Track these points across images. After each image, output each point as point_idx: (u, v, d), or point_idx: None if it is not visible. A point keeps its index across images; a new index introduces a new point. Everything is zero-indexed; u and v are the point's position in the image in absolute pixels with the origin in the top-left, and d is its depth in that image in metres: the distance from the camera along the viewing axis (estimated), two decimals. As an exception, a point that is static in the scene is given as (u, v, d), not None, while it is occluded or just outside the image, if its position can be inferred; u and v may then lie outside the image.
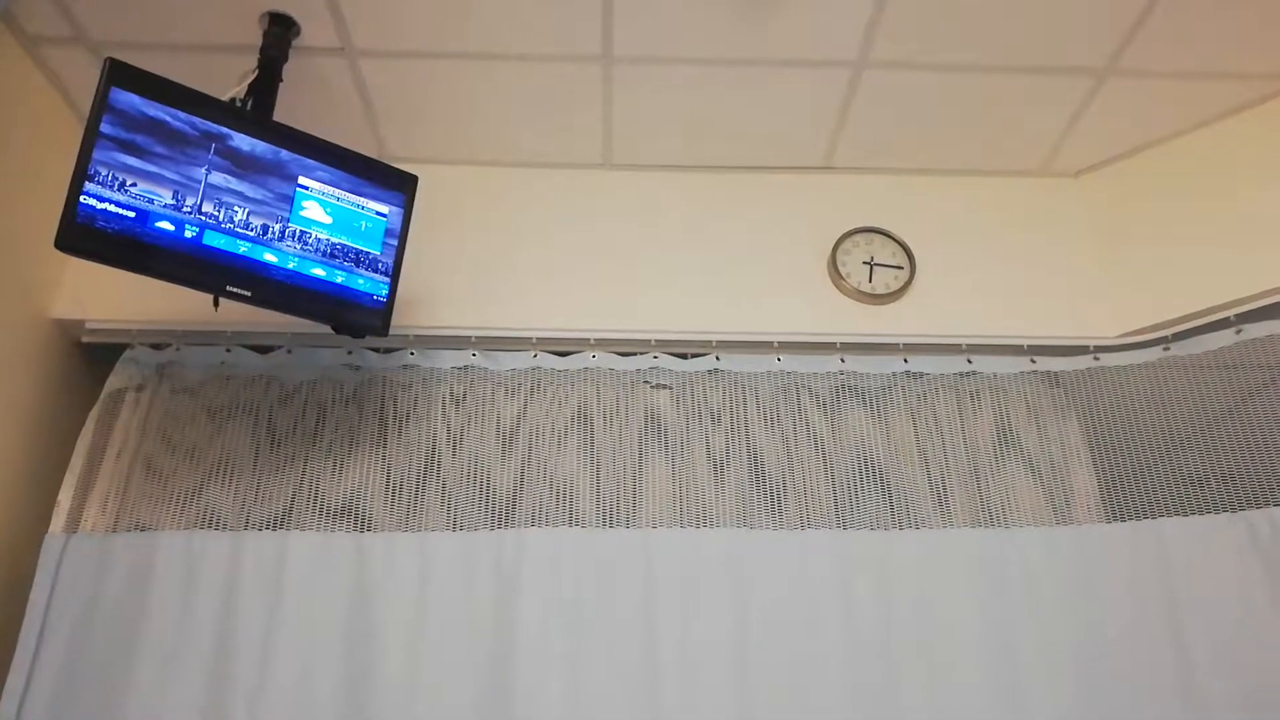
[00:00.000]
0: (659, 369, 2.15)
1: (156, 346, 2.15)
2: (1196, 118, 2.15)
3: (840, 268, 2.18)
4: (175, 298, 2.01)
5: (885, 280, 2.17)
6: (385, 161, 1.94)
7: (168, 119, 1.66)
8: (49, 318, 2.07)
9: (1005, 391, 2.14)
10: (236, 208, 1.72)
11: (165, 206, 1.64)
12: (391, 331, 1.91)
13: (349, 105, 2.13)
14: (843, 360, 2.15)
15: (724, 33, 1.95)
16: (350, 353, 2.15)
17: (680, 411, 2.11)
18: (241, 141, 1.74)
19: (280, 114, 1.87)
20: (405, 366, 2.14)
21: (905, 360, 2.15)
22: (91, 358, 2.16)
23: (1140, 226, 2.18)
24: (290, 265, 1.78)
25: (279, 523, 1.97)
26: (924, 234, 2.23)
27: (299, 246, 1.79)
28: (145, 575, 1.86)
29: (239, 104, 1.82)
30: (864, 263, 2.19)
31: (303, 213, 1.80)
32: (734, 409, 2.11)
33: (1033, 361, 2.15)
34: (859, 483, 2.03)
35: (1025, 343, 2.14)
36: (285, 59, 1.93)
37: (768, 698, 1.78)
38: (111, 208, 1.59)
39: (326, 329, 1.93)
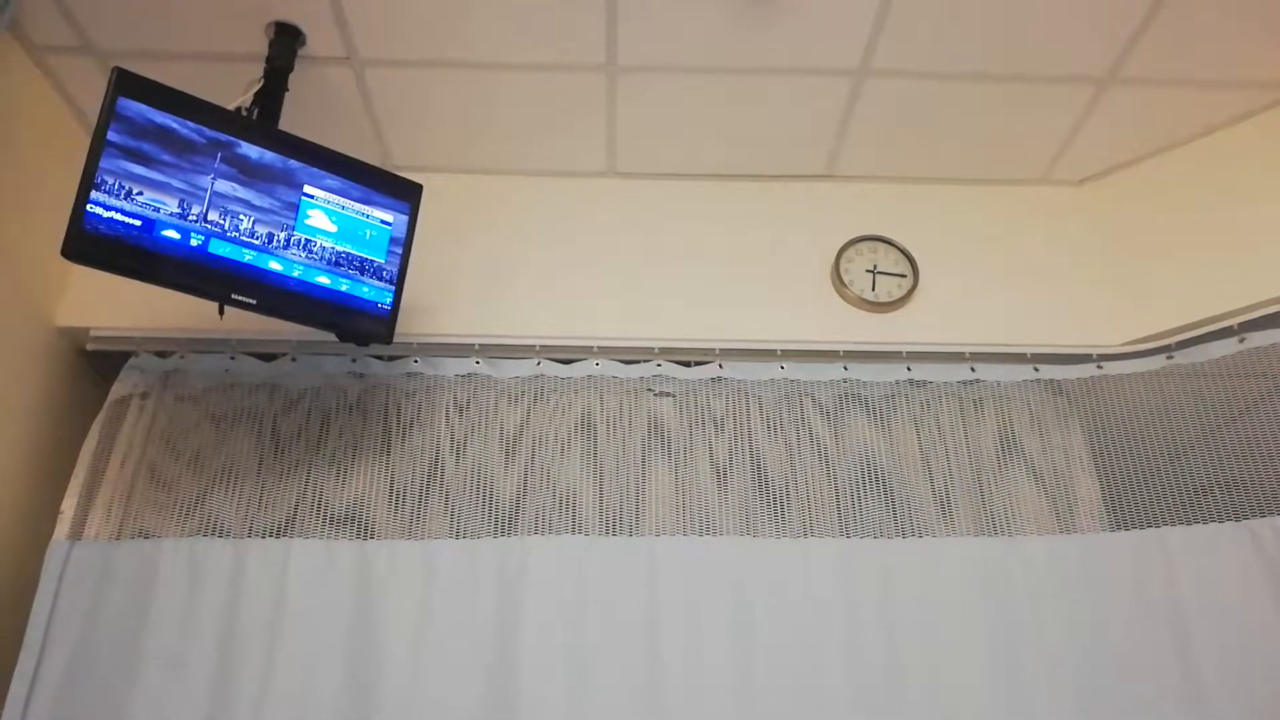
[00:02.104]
0: (662, 376, 2.15)
1: (161, 354, 2.15)
2: (1199, 126, 2.15)
3: (843, 275, 2.18)
4: (180, 306, 2.02)
5: (888, 288, 2.18)
6: (390, 170, 1.94)
7: (174, 127, 1.67)
8: (54, 325, 2.07)
9: (1009, 400, 2.14)
10: (242, 216, 1.73)
11: (171, 215, 1.65)
12: (395, 339, 1.92)
13: (354, 114, 2.14)
14: (846, 368, 2.15)
15: (727, 41, 1.96)
16: (354, 360, 2.16)
17: (683, 419, 2.11)
18: (247, 150, 1.74)
19: (286, 123, 1.88)
20: (409, 374, 2.15)
21: (908, 368, 2.16)
22: (96, 365, 2.17)
23: (1143, 235, 2.18)
24: (295, 273, 1.78)
25: (282, 530, 1.98)
26: (927, 242, 2.24)
27: (304, 255, 1.79)
28: (149, 583, 1.86)
29: (245, 113, 1.83)
30: (867, 271, 2.20)
31: (308, 221, 1.80)
32: (737, 417, 2.11)
33: (1036, 370, 2.15)
34: (862, 491, 2.03)
35: (1029, 351, 2.14)
36: (291, 68, 1.94)
37: (771, 705, 1.77)
38: (118, 216, 1.60)
39: (331, 337, 1.94)
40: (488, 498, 2.01)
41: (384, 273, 1.89)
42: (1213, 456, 1.97)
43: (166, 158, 1.65)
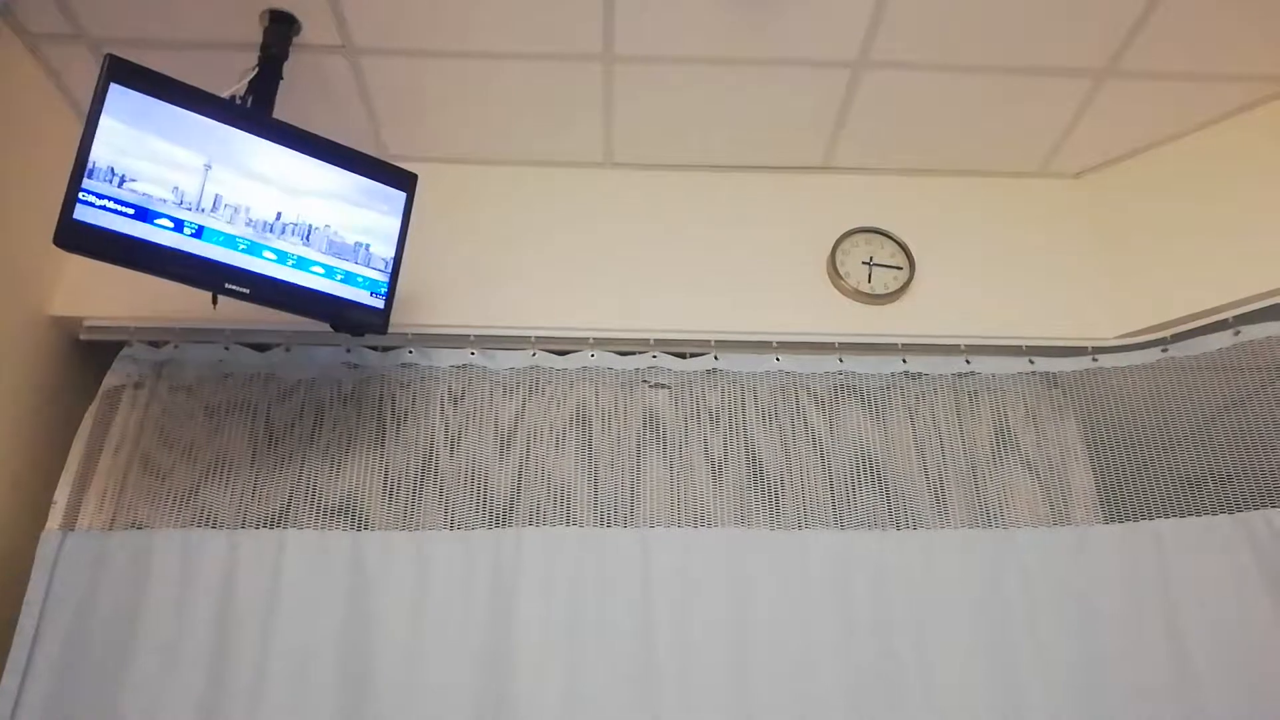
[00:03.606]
0: (657, 368, 2.15)
1: (154, 344, 2.15)
2: (1196, 119, 2.15)
3: (839, 268, 2.18)
4: (174, 295, 2.01)
5: (884, 280, 2.18)
6: (385, 159, 1.94)
7: (168, 116, 1.66)
8: (47, 315, 2.07)
9: (1003, 392, 2.14)
10: (236, 205, 1.72)
11: (164, 204, 1.64)
12: (390, 330, 1.91)
13: (349, 103, 2.13)
14: (841, 360, 2.15)
15: (725, 32, 1.95)
16: (349, 351, 2.15)
17: (679, 411, 2.10)
18: (242, 139, 1.73)
19: (280, 112, 1.87)
20: (404, 365, 2.14)
21: (904, 360, 2.15)
22: (89, 355, 2.16)
23: (1139, 227, 2.18)
24: (289, 263, 1.77)
25: (276, 521, 1.97)
26: (923, 234, 2.24)
27: (298, 244, 1.78)
28: (142, 573, 1.85)
29: (239, 101, 1.82)
30: (863, 263, 2.19)
31: (302, 210, 1.79)
32: (732, 409, 2.11)
33: (1031, 362, 2.15)
34: (857, 483, 2.03)
35: (1024, 343, 2.14)
36: (286, 56, 1.93)
37: (766, 697, 1.78)
38: (110, 204, 1.59)
39: (325, 327, 1.93)
40: (482, 489, 2.01)
41: (379, 262, 1.88)
42: (1207, 449, 1.98)
43: (159, 146, 1.64)
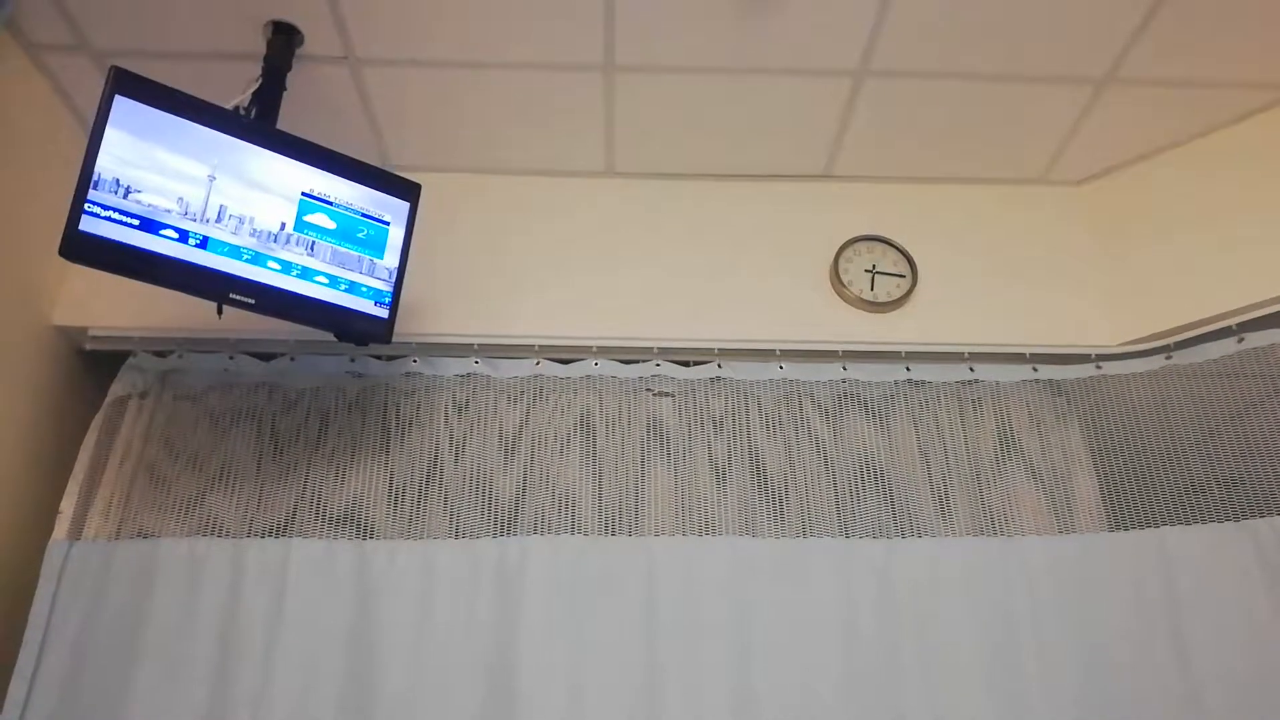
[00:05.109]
0: (661, 376, 2.15)
1: (159, 354, 2.15)
2: (1198, 126, 2.15)
3: (842, 276, 2.18)
4: (178, 305, 2.02)
5: (887, 288, 2.18)
6: (388, 169, 1.94)
7: (172, 127, 1.66)
8: (52, 325, 2.07)
9: (1007, 399, 2.14)
10: (240, 215, 1.72)
11: (169, 214, 1.65)
12: (394, 339, 1.92)
13: (352, 114, 2.13)
14: (845, 368, 2.15)
15: (726, 41, 1.96)
16: (353, 360, 2.16)
17: (682, 419, 2.11)
18: (246, 150, 1.74)
19: (284, 122, 1.88)
20: (408, 374, 2.15)
21: (907, 368, 2.16)
22: (94, 365, 2.16)
23: (1142, 234, 2.18)
24: (294, 273, 1.78)
25: (281, 530, 1.98)
26: (926, 242, 2.24)
27: (303, 254, 1.79)
28: (148, 582, 1.86)
29: (243, 112, 1.82)
30: (866, 271, 2.20)
31: (307, 220, 1.80)
32: (736, 416, 2.11)
33: (1035, 370, 2.15)
34: (861, 491, 2.03)
35: (1027, 351, 2.14)
36: (289, 67, 1.94)
37: (770, 704, 1.77)
38: (115, 215, 1.59)
39: (329, 336, 1.94)
40: (487, 497, 2.01)
41: (383, 272, 1.88)
42: (1211, 456, 1.98)
43: (164, 157, 1.65)
